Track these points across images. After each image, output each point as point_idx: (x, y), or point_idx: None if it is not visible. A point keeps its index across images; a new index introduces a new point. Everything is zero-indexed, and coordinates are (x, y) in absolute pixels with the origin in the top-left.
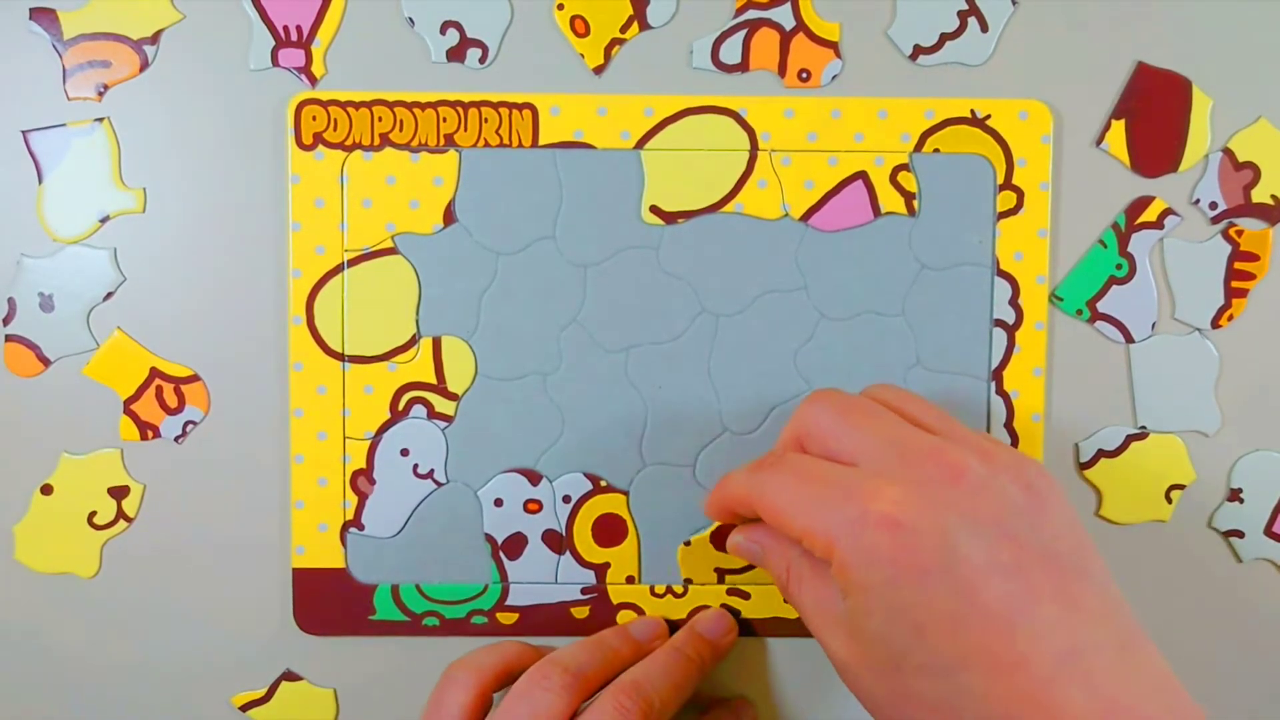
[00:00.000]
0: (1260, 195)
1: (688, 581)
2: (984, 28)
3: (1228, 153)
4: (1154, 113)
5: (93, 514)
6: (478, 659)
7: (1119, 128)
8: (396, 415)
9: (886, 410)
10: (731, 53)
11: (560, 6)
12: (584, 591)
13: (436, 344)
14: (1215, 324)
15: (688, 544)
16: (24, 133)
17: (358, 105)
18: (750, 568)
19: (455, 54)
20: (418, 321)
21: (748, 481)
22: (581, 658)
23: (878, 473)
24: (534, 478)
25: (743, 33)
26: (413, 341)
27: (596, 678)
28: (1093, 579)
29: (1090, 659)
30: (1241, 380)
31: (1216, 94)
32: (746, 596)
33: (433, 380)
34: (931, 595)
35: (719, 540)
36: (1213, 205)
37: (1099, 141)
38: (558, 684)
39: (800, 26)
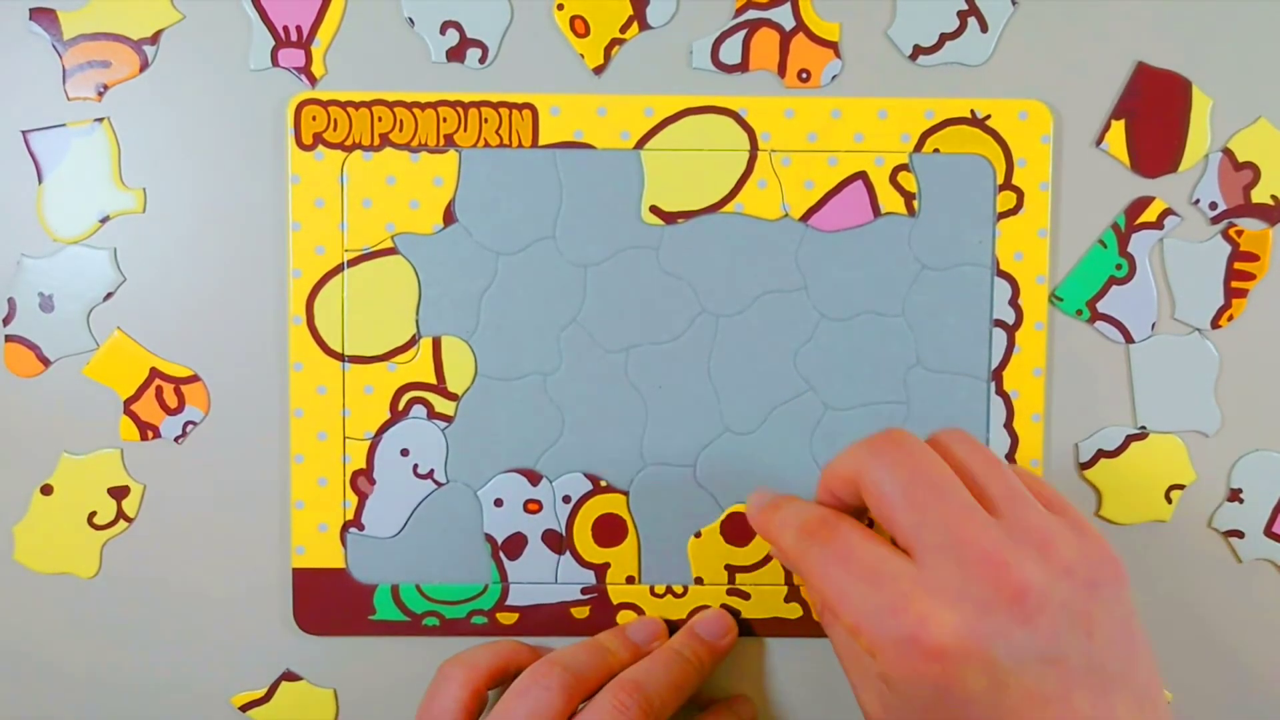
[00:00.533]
0: (1260, 195)
1: (698, 580)
2: (984, 28)
3: (1227, 153)
4: (1154, 113)
5: (93, 514)
6: (473, 656)
7: (1119, 128)
8: (396, 415)
9: (953, 483)
10: (731, 53)
11: (560, 6)
12: (584, 591)
13: (436, 344)
14: (1215, 324)
15: (698, 535)
16: (24, 133)
17: (358, 105)
18: (760, 565)
19: (455, 54)
20: (418, 321)
21: (797, 548)
22: (580, 658)
23: (933, 587)
24: (534, 478)
25: (742, 33)
26: (413, 341)
27: (595, 678)
28: (1133, 686)
29: None
30: (1241, 380)
31: (1216, 94)
32: (746, 597)
33: (433, 380)
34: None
35: (729, 534)
36: (1212, 205)
37: (1099, 142)
38: (556, 683)
39: (800, 26)
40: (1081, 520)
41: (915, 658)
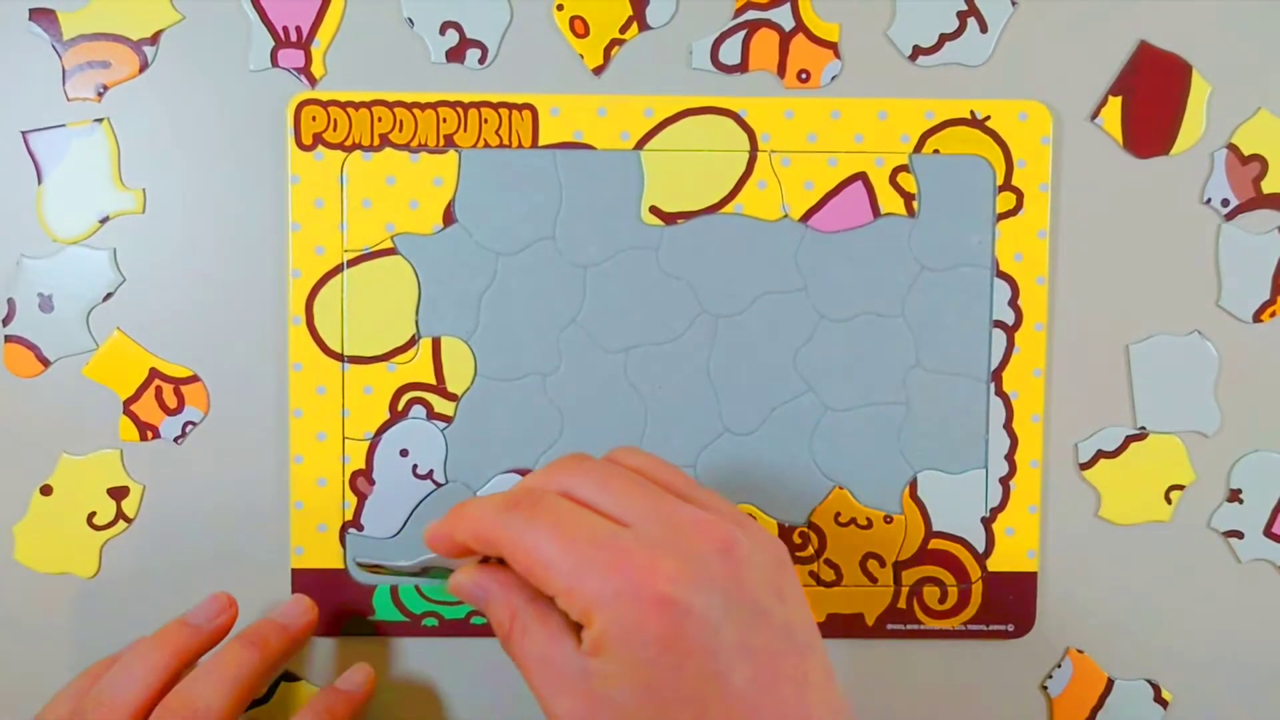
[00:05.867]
0: (1271, 186)
1: None
2: (983, 28)
3: (1232, 148)
4: (1151, 91)
5: (92, 514)
6: (56, 708)
7: (1115, 104)
8: (396, 416)
9: (643, 479)
10: (731, 53)
11: (560, 7)
12: None
13: (436, 344)
14: (1257, 318)
15: None
16: (24, 133)
17: (357, 106)
18: None
19: (455, 54)
20: (417, 322)
21: (500, 522)
22: (120, 683)
23: (649, 544)
24: None
25: (742, 33)
26: (412, 342)
27: (149, 697)
28: (816, 653)
29: None
30: (1246, 380)
31: (1215, 83)
32: None
33: (432, 381)
34: (686, 677)
35: None
36: (1225, 202)
37: (1094, 116)
38: None
39: (800, 27)
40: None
41: (642, 607)
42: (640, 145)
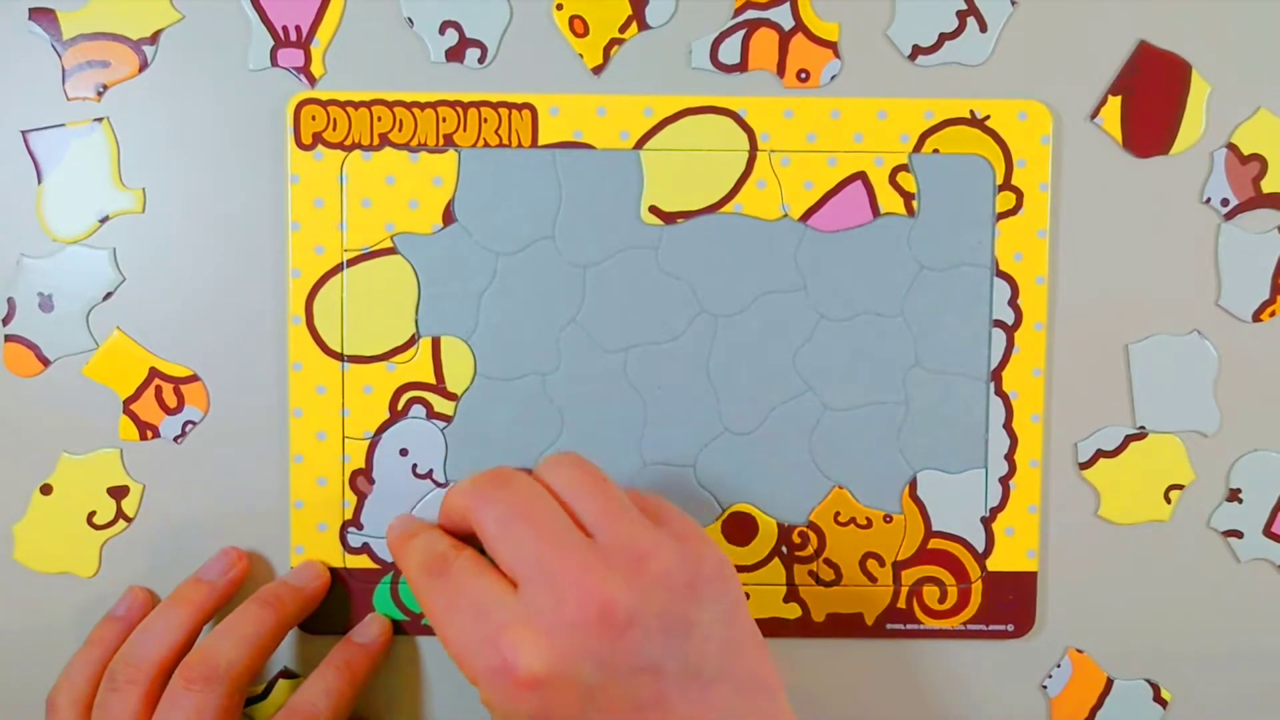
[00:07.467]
0: (1270, 185)
1: None
2: (983, 28)
3: (1232, 148)
4: (1151, 90)
5: (92, 514)
6: (71, 680)
7: (1115, 103)
8: (396, 415)
9: (549, 512)
10: (730, 53)
11: (559, 6)
12: None
13: (436, 344)
14: (1256, 317)
15: None
16: (24, 133)
17: (357, 105)
18: (760, 565)
19: (454, 54)
20: (417, 321)
21: (417, 584)
22: (143, 642)
23: (528, 616)
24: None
25: (741, 33)
26: (412, 341)
27: (172, 655)
28: (734, 678)
29: None
30: (1247, 380)
31: (1215, 83)
32: (746, 596)
33: (432, 380)
34: None
35: (730, 533)
36: (1224, 202)
37: (1093, 115)
38: (122, 681)
39: (799, 26)
40: (686, 525)
41: (509, 688)
42: (640, 145)
